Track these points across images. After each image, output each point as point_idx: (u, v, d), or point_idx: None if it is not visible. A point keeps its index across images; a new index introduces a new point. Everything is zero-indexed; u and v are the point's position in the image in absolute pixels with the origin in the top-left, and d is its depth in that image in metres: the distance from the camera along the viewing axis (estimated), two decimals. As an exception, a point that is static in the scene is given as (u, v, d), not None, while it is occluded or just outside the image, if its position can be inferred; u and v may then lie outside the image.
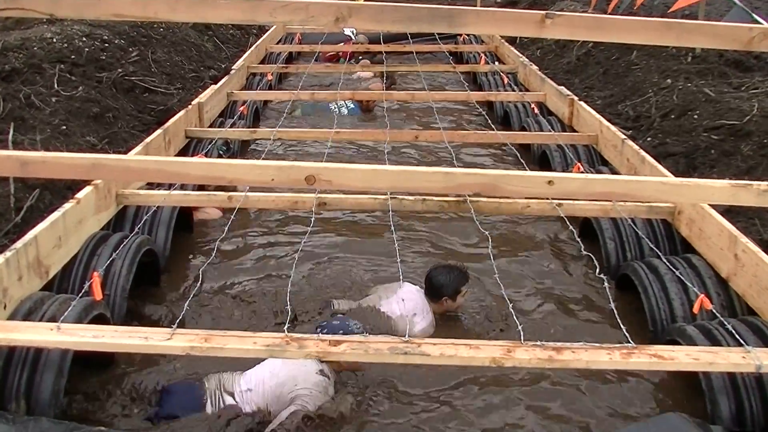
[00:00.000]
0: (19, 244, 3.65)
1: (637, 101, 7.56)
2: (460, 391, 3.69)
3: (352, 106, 8.97)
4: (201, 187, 5.31)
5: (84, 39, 7.56)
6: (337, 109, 8.88)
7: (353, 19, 2.89)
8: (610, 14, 9.39)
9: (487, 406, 3.57)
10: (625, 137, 5.93)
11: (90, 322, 3.37)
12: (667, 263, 4.12)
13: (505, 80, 9.25)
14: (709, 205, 4.33)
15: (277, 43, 12.06)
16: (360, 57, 11.94)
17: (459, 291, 4.19)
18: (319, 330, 3.48)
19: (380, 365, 3.66)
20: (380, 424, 3.44)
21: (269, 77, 9.63)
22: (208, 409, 3.38)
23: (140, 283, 4.40)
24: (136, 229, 4.41)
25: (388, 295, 4.21)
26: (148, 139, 5.62)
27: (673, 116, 6.82)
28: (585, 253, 3.93)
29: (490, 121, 7.78)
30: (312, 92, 8.74)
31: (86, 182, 4.49)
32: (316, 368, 3.47)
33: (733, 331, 3.25)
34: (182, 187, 5.00)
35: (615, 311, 3.33)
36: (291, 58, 12.12)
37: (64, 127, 5.86)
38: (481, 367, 3.53)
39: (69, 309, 3.21)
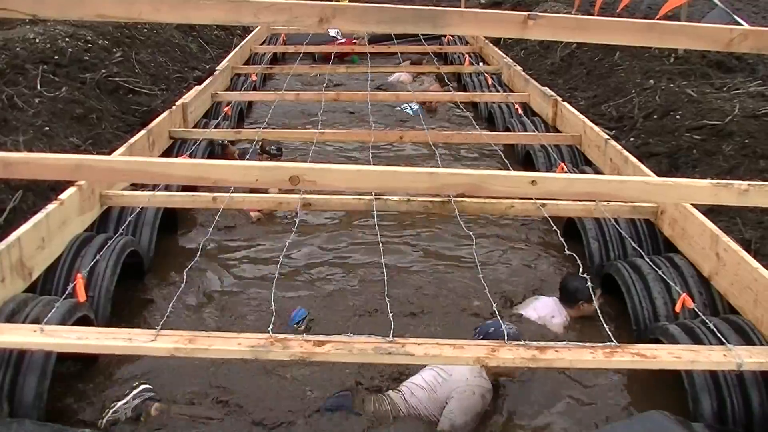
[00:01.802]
0: (1, 245, 3.63)
1: (620, 102, 7.60)
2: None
3: (416, 107, 9.10)
4: (185, 188, 5.29)
5: (67, 39, 7.51)
6: (400, 110, 9.15)
7: (337, 19, 2.88)
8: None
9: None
10: (609, 137, 5.97)
11: (74, 324, 3.36)
12: (650, 263, 4.16)
13: (490, 81, 9.29)
14: (692, 204, 4.36)
15: (262, 44, 12.04)
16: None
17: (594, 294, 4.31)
18: (476, 335, 3.54)
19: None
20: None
21: (254, 78, 9.62)
22: None
23: (125, 285, 4.38)
24: (120, 230, 4.39)
25: (525, 305, 4.44)
26: (131, 140, 5.60)
27: (655, 116, 6.87)
28: (568, 252, 3.95)
29: (474, 122, 7.80)
30: (296, 93, 8.72)
31: (70, 183, 4.47)
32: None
33: (715, 330, 3.29)
34: (166, 188, 4.98)
35: (598, 310, 3.35)
36: (276, 59, 12.10)
37: (48, 128, 5.82)
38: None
39: (52, 311, 3.20)
